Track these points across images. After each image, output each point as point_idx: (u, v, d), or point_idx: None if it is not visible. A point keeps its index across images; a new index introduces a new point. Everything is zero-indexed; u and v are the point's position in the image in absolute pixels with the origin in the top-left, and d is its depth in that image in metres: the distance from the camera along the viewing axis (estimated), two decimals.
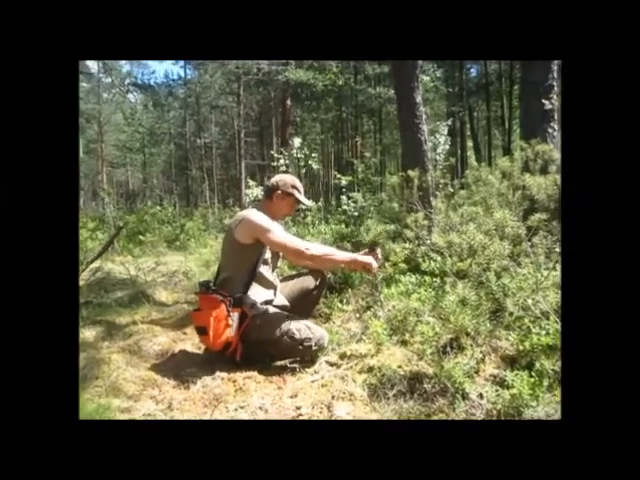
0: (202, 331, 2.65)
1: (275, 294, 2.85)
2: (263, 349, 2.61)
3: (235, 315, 2.55)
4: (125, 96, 28.73)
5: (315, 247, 2.66)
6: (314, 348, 2.58)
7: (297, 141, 7.26)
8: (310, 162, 6.89)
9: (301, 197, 2.86)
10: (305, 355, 2.60)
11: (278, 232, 2.63)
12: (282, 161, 6.44)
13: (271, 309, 2.70)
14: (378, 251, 2.84)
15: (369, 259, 2.65)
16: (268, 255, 2.79)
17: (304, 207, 3.12)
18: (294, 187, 2.84)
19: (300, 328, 2.58)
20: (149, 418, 2.04)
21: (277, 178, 2.89)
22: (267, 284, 2.79)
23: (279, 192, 2.81)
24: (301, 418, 1.96)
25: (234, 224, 2.73)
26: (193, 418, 2.03)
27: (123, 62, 31.16)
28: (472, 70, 25.71)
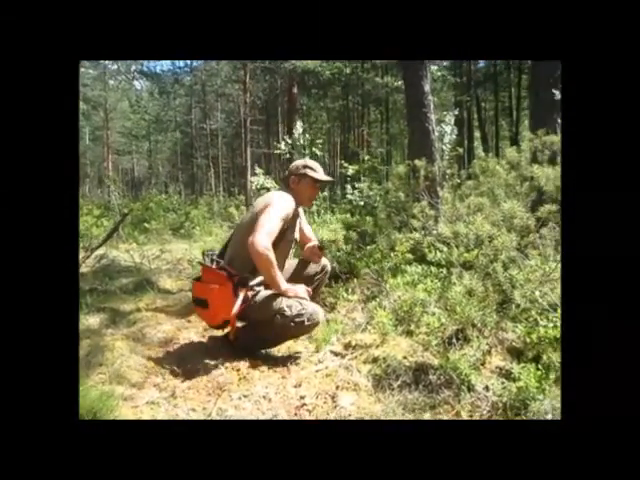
0: (202, 303, 2.59)
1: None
2: (258, 333, 2.57)
3: (241, 295, 2.45)
4: (131, 83, 28.72)
5: (267, 259, 2.45)
6: (307, 324, 2.48)
7: (299, 125, 7.18)
8: (314, 149, 6.83)
9: (316, 174, 2.80)
10: (299, 333, 2.55)
11: (275, 221, 2.53)
12: (284, 147, 6.38)
13: (267, 290, 2.61)
14: (322, 255, 3.00)
15: (294, 293, 2.56)
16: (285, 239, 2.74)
17: (327, 183, 3.03)
18: (306, 167, 2.79)
19: (291, 304, 2.49)
20: (152, 406, 2.03)
21: (290, 166, 2.89)
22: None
23: (293, 177, 2.78)
24: (305, 408, 1.95)
25: (262, 203, 2.65)
26: (197, 407, 2.03)
27: None
28: (480, 60, 25.48)
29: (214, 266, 2.61)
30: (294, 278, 2.89)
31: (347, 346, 2.57)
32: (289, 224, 2.69)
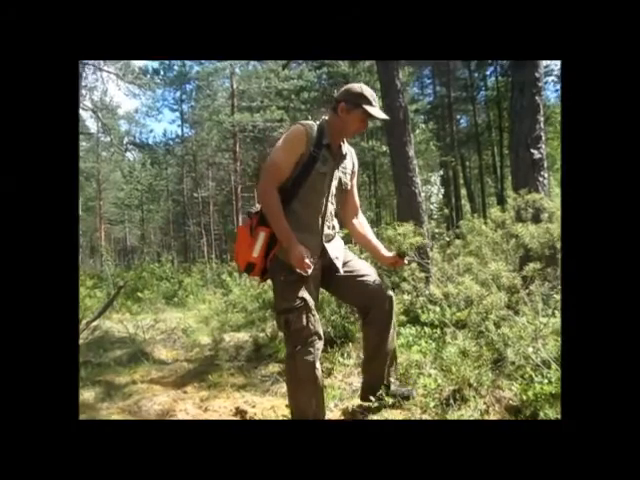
0: None
1: (321, 244, 2.35)
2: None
3: (261, 235, 2.25)
4: (124, 155, 29.23)
5: (267, 203, 2.21)
6: (297, 349, 2.18)
7: None
8: None
9: (371, 109, 2.30)
10: (294, 373, 2.23)
11: (284, 159, 2.24)
12: None
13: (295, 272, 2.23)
14: (405, 260, 2.53)
15: (298, 253, 2.13)
16: (323, 190, 2.32)
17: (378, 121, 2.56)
18: (362, 97, 2.29)
19: (298, 318, 2.19)
20: None
21: (343, 88, 2.39)
22: (305, 226, 2.30)
23: (343, 105, 2.30)
24: None
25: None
26: None
27: (122, 121, 31.94)
28: (462, 121, 26.41)
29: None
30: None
31: (345, 412, 2.55)
32: (305, 160, 2.27)
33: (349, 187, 2.49)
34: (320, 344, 2.23)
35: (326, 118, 2.38)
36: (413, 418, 2.22)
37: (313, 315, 2.24)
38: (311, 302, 2.26)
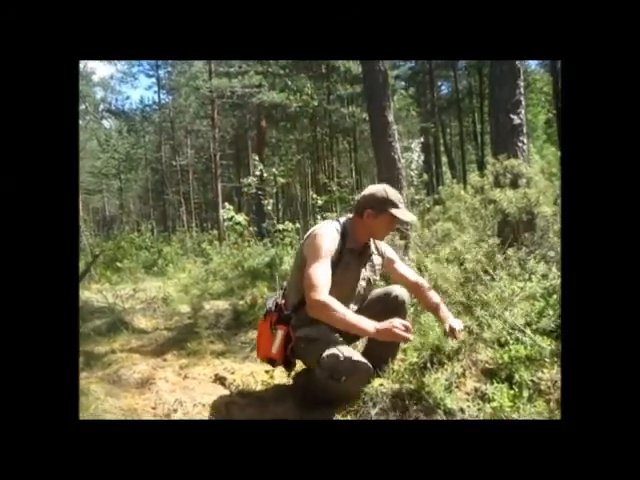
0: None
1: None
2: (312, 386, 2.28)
3: (279, 333, 2.27)
4: (100, 122, 28.64)
5: (332, 314, 2.06)
6: (342, 380, 2.04)
7: (258, 163, 7.12)
8: (279, 178, 6.84)
9: (398, 212, 2.28)
10: (339, 392, 2.13)
11: (320, 267, 2.14)
12: (251, 183, 6.42)
13: (318, 332, 2.22)
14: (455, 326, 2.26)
15: (389, 331, 1.99)
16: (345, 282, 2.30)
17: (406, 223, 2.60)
18: (387, 201, 2.27)
19: (330, 354, 2.08)
20: None
21: (367, 192, 2.35)
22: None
23: (369, 211, 2.27)
24: None
25: (306, 236, 2.34)
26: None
27: (97, 88, 31.14)
28: (443, 87, 26.26)
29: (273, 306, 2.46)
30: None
31: None
32: (339, 263, 2.26)
33: (377, 280, 2.52)
34: (363, 366, 2.12)
35: (349, 218, 2.38)
36: (391, 382, 2.24)
37: (344, 346, 2.16)
38: (334, 337, 2.21)
